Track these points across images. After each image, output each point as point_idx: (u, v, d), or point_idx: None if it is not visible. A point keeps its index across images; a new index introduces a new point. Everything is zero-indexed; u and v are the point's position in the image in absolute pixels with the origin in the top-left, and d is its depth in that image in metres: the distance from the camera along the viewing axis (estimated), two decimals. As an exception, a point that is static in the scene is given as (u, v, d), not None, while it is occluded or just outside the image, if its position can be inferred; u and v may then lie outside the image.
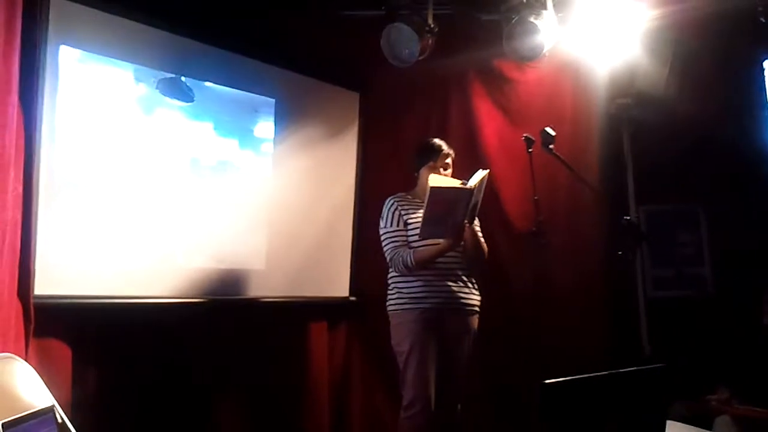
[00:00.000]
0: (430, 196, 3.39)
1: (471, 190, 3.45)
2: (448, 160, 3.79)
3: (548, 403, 2.03)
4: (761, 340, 3.83)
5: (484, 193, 3.60)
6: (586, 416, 2.13)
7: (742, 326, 4.04)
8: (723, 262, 5.00)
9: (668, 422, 2.43)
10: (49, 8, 3.30)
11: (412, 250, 3.63)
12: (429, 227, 3.48)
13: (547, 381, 2.01)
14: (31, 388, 2.37)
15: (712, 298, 5.01)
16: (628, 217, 3.98)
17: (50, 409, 2.21)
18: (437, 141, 3.83)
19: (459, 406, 3.75)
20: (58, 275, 3.36)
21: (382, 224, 3.77)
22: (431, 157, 3.77)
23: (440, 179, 3.54)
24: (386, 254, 3.73)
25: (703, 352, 4.24)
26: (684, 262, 5.14)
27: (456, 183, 3.51)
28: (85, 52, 3.51)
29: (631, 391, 2.31)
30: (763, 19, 4.22)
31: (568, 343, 4.45)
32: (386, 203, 3.80)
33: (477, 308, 3.80)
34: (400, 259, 3.63)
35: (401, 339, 3.67)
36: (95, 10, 3.52)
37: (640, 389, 2.33)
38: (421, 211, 3.58)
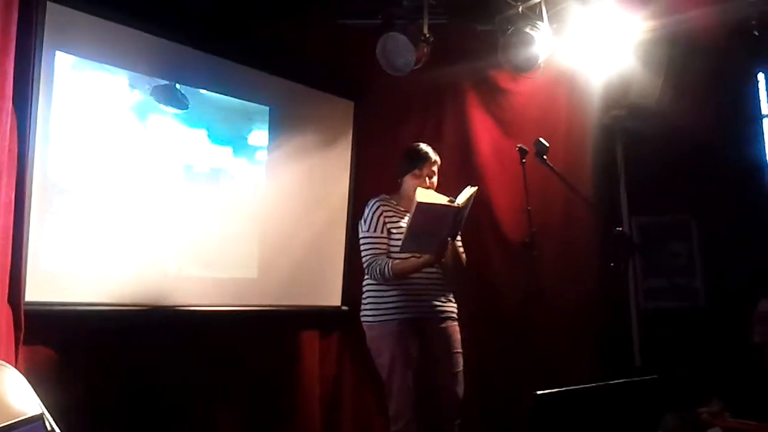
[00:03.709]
0: (416, 211, 3.32)
1: (458, 209, 3.40)
2: (434, 168, 3.72)
3: (540, 414, 2.03)
4: (753, 358, 3.83)
5: (477, 204, 3.59)
6: (577, 426, 2.13)
7: (734, 338, 4.04)
8: (715, 273, 5.01)
9: (659, 434, 2.44)
10: (44, 14, 3.29)
11: (390, 261, 3.56)
12: (411, 242, 3.42)
13: (540, 391, 2.01)
14: (20, 396, 2.35)
15: (703, 309, 5.02)
16: (621, 228, 3.99)
17: (40, 417, 2.20)
18: (424, 147, 3.75)
19: (458, 421, 3.67)
20: (49, 282, 3.35)
21: (364, 227, 3.69)
22: (416, 164, 3.68)
23: (427, 195, 3.45)
24: (363, 259, 3.66)
25: (694, 363, 4.24)
26: (676, 273, 5.15)
27: (443, 200, 3.44)
28: (79, 59, 3.51)
29: (623, 402, 2.32)
30: (756, 32, 4.24)
31: (560, 353, 4.45)
32: (369, 205, 3.72)
33: (454, 315, 3.75)
34: (378, 267, 3.56)
35: (380, 351, 3.62)
36: (91, 17, 3.52)
37: (631, 400, 2.34)
38: (405, 220, 3.55)
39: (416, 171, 3.69)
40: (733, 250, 4.85)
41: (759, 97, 5.08)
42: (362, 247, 3.69)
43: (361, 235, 3.72)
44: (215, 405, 4.03)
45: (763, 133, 5.11)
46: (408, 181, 3.71)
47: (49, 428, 2.24)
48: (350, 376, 4.70)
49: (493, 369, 4.58)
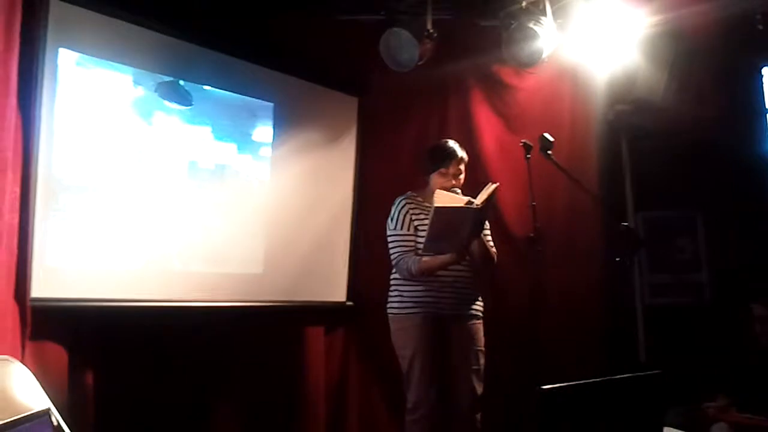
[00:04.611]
0: (434, 215, 3.34)
1: (477, 210, 3.40)
2: (461, 166, 3.73)
3: (545, 409, 2.03)
4: (758, 353, 3.84)
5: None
6: (583, 422, 2.13)
7: (740, 333, 4.04)
8: (720, 268, 5.00)
9: (665, 429, 2.43)
10: (48, 11, 3.29)
11: (417, 258, 3.61)
12: (433, 244, 3.46)
13: (545, 387, 2.01)
14: (27, 391, 2.37)
15: (709, 304, 5.01)
16: (626, 224, 3.98)
17: (46, 412, 2.21)
18: (450, 144, 3.76)
19: (479, 415, 3.70)
20: (55, 278, 3.35)
21: (391, 225, 3.74)
22: (443, 163, 3.70)
23: (446, 198, 3.45)
24: (392, 257, 3.71)
25: (700, 358, 4.23)
26: (681, 268, 5.15)
27: (462, 201, 3.44)
28: (84, 55, 3.51)
29: (628, 397, 2.31)
30: (761, 27, 4.23)
31: (566, 349, 4.45)
32: (396, 203, 3.76)
33: (479, 314, 3.79)
34: (405, 265, 3.62)
35: (403, 343, 3.67)
36: (95, 13, 3.51)
37: (636, 395, 2.34)
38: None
39: (443, 169, 3.71)
40: (738, 245, 4.84)
41: (764, 92, 5.06)
42: (390, 245, 3.73)
43: (388, 233, 3.76)
44: (220, 399, 4.04)
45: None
46: (435, 179, 3.73)
47: (55, 423, 2.25)
48: (355, 371, 4.69)
49: (498, 364, 4.55)
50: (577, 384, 2.13)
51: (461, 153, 3.74)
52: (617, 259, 4.05)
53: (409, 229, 3.68)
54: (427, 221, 3.60)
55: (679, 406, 3.50)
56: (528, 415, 4.03)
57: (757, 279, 4.34)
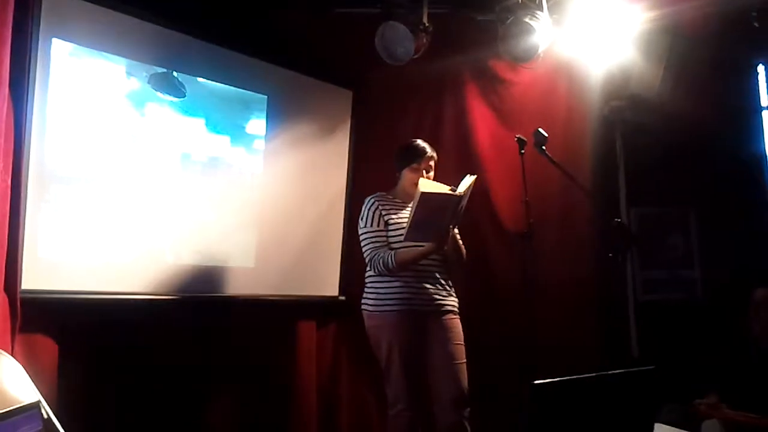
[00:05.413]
0: (419, 201, 3.35)
1: (460, 197, 3.43)
2: (432, 163, 3.76)
3: (538, 404, 2.03)
4: (750, 350, 3.84)
5: (476, 195, 3.59)
6: (574, 417, 2.13)
7: (732, 330, 4.05)
8: (713, 265, 5.01)
9: (656, 425, 2.43)
10: (41, 1, 3.27)
11: (393, 252, 3.60)
12: (415, 231, 3.45)
13: (537, 382, 2.00)
14: (16, 384, 2.35)
15: (701, 301, 5.02)
16: (619, 219, 3.98)
17: (36, 405, 2.19)
18: (421, 143, 3.79)
19: (468, 409, 3.68)
20: (46, 270, 3.33)
21: (361, 224, 3.74)
22: (414, 159, 3.73)
23: (430, 185, 3.48)
24: (365, 254, 3.71)
25: (692, 355, 4.24)
26: (674, 264, 5.16)
27: (445, 189, 3.47)
28: (77, 46, 3.49)
29: (620, 393, 2.32)
30: (756, 24, 4.23)
31: (558, 344, 4.44)
32: (366, 202, 3.78)
33: (455, 309, 3.78)
34: (381, 260, 3.60)
35: (379, 341, 3.67)
36: (88, 4, 3.49)
37: (628, 391, 2.34)
38: (403, 212, 3.62)
39: (414, 165, 3.73)
40: (731, 242, 4.85)
41: (759, 88, 5.08)
42: (362, 243, 3.73)
43: (360, 232, 3.76)
44: (212, 393, 4.04)
45: (762, 125, 5.11)
46: (406, 174, 3.76)
47: (45, 416, 2.24)
48: (347, 366, 4.69)
49: (490, 359, 4.57)
50: (569, 379, 2.13)
51: (431, 151, 3.77)
52: (610, 254, 4.05)
53: (379, 225, 3.69)
54: (398, 216, 3.67)
55: (672, 402, 3.51)
56: (520, 410, 4.04)
57: (751, 275, 4.35)
